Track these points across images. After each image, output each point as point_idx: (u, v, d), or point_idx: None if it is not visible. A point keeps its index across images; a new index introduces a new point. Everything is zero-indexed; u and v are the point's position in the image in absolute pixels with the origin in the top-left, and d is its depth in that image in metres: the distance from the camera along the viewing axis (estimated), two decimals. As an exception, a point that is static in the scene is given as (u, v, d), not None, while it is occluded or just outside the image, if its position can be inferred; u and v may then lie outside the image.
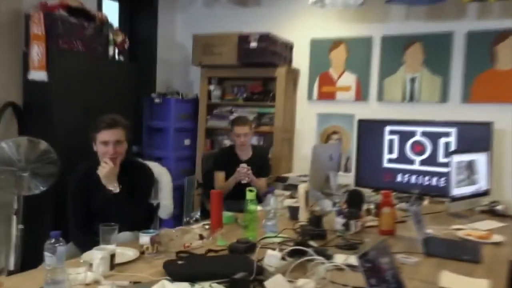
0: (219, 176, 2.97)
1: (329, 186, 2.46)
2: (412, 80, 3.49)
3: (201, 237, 1.77)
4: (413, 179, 2.82)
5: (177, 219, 3.91)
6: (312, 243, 1.65)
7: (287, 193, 2.88)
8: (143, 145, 4.05)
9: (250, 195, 1.82)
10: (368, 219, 2.13)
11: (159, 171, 2.40)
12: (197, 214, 3.16)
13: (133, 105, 3.67)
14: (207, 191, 3.12)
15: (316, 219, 1.95)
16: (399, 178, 2.86)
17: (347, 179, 3.35)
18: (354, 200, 2.03)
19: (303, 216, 2.12)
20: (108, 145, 2.00)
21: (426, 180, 2.78)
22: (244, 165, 2.82)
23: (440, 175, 2.75)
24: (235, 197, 2.63)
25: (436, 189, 2.73)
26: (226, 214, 2.10)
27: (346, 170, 3.66)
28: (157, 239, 1.62)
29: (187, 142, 4.14)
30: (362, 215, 2.03)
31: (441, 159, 2.75)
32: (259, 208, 1.92)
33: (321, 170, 2.50)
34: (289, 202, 2.49)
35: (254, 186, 2.83)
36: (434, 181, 2.76)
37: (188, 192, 4.08)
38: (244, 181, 2.81)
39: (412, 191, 2.62)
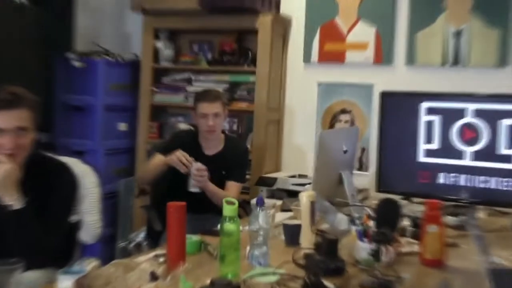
0: (156, 159, 2.96)
1: (343, 193, 2.47)
2: (457, 34, 3.46)
3: (154, 276, 1.69)
4: (462, 180, 2.78)
5: (108, 244, 3.92)
6: (326, 283, 1.59)
7: (277, 203, 2.85)
8: (55, 131, 3.99)
9: (228, 209, 1.77)
10: (404, 243, 2.10)
11: (81, 171, 2.37)
12: (140, 237, 3.13)
13: (40, 70, 3.55)
14: (156, 202, 3.05)
15: (328, 245, 1.88)
16: (441, 178, 2.83)
17: (363, 180, 3.32)
18: (386, 215, 2.00)
19: (307, 240, 2.09)
20: (4, 135, 1.90)
21: (481, 182, 2.75)
22: (199, 164, 2.75)
23: (502, 174, 2.71)
24: (196, 209, 2.54)
25: (497, 195, 2.69)
26: (190, 238, 2.04)
27: (362, 167, 3.63)
28: (85, 282, 1.54)
29: (122, 126, 4.10)
30: (397, 238, 2.01)
31: (504, 150, 2.71)
32: (243, 228, 1.91)
33: (331, 169, 2.51)
34: (281, 217, 2.48)
35: (212, 196, 2.85)
36: (493, 183, 2.73)
37: (124, 203, 4.05)
38: (192, 189, 2.79)
39: (462, 198, 2.60)
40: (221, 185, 2.92)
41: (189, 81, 4.00)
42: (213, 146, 3.05)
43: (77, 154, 3.63)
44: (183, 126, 3.92)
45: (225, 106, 3.05)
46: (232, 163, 3.02)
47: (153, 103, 4.04)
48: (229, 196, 2.70)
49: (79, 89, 3.94)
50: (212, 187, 2.84)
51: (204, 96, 3.02)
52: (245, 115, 3.86)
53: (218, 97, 3.02)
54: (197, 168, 2.75)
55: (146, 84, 4.02)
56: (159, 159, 2.94)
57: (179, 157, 2.78)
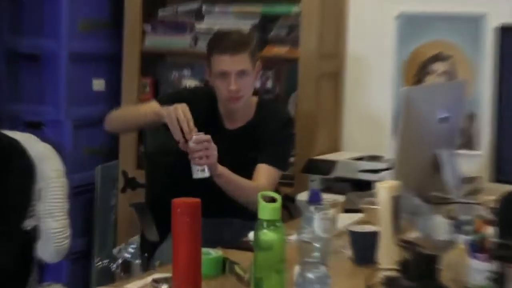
0: (148, 105, 3.02)
1: (441, 183, 2.46)
2: None
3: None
4: None
5: (80, 263, 3.95)
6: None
7: (339, 199, 2.83)
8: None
9: (267, 210, 1.77)
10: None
11: (37, 153, 2.41)
12: (129, 252, 3.15)
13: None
14: (154, 198, 3.09)
15: (421, 264, 1.87)
16: None
17: (472, 163, 3.26)
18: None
19: (388, 256, 2.08)
20: None
21: None
22: (200, 135, 2.71)
23: None
24: (213, 209, 2.54)
25: None
26: (208, 253, 2.05)
27: (469, 143, 3.62)
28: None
29: (99, 85, 4.15)
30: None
31: None
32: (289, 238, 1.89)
33: (421, 147, 2.51)
34: (345, 221, 2.47)
35: (225, 185, 2.83)
36: None
37: (104, 200, 4.10)
38: (199, 175, 2.73)
39: None
40: (249, 174, 2.89)
41: (198, 15, 3.97)
42: (239, 116, 3.02)
43: (31, 127, 3.69)
44: (191, 83, 3.94)
45: (256, 58, 3.00)
46: (265, 139, 2.99)
47: (144, 50, 4.04)
48: (256, 186, 2.78)
49: (32, 29, 3.96)
50: (222, 171, 2.78)
51: (222, 43, 2.95)
52: (284, 66, 3.84)
53: (245, 44, 2.96)
54: (196, 141, 2.70)
55: (134, 21, 4.02)
56: (152, 106, 2.94)
57: (178, 115, 2.69)
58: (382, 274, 1.94)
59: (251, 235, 2.00)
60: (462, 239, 2.04)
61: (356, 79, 3.91)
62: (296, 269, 1.86)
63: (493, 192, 2.56)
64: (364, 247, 2.15)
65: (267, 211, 1.75)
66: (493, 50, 2.99)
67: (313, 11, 3.66)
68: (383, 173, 3.12)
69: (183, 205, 1.83)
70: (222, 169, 2.78)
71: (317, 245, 1.87)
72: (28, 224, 2.29)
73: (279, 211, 1.77)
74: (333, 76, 3.87)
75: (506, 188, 2.43)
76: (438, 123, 2.56)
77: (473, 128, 3.64)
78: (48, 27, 3.93)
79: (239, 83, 2.90)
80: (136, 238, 3.17)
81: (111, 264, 3.16)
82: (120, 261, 3.12)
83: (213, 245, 2.16)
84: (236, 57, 2.91)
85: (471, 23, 3.65)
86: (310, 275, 1.82)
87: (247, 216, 2.57)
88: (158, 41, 4.05)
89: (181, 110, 2.71)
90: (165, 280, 1.91)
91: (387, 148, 3.41)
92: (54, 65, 3.93)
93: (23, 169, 2.15)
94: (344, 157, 3.57)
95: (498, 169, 2.87)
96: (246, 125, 3.04)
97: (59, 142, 2.70)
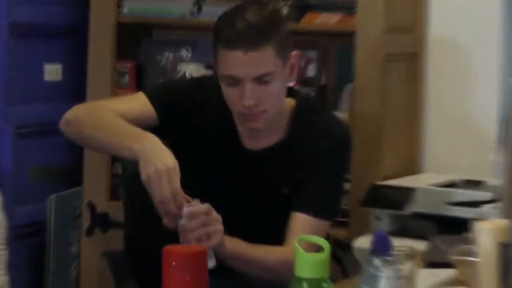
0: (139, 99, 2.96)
1: None
2: None
3: None
4: None
5: None
6: None
7: (418, 246, 2.79)
8: None
9: (308, 265, 1.78)
10: None
11: None
12: None
13: None
14: (136, 244, 3.08)
15: None
16: None
17: None
18: None
19: None
20: None
21: None
22: (195, 205, 2.65)
23: None
24: (224, 267, 2.64)
25: None
26: None
27: None
28: None
29: (52, 72, 4.23)
30: None
31: None
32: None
33: None
34: (429, 281, 2.46)
35: (243, 267, 2.80)
36: None
37: (60, 248, 4.15)
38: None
39: None
40: (283, 223, 2.85)
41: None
42: (264, 132, 2.97)
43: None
44: (192, 70, 3.91)
45: (287, 48, 2.93)
46: (304, 170, 2.96)
47: (121, 20, 4.11)
48: (288, 256, 2.60)
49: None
50: (233, 247, 2.72)
51: (230, 31, 2.87)
52: (334, 43, 3.92)
53: (267, 32, 2.86)
54: (189, 216, 2.63)
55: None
56: (138, 104, 2.90)
57: (162, 185, 2.57)
58: None
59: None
60: None
61: (443, 65, 3.94)
62: None
63: None
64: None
65: (308, 265, 1.76)
66: None
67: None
68: (485, 207, 3.12)
69: (180, 256, 1.84)
70: (233, 245, 2.70)
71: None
72: None
73: (327, 265, 1.78)
74: (409, 60, 3.91)
75: None
76: None
77: None
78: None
79: (258, 94, 2.83)
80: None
81: None
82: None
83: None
84: (252, 54, 2.82)
85: None
86: None
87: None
88: (141, 6, 4.11)
89: (167, 179, 2.56)
90: None
91: (491, 170, 3.40)
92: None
93: None
94: (426, 183, 3.59)
95: None
96: (275, 146, 2.99)
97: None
